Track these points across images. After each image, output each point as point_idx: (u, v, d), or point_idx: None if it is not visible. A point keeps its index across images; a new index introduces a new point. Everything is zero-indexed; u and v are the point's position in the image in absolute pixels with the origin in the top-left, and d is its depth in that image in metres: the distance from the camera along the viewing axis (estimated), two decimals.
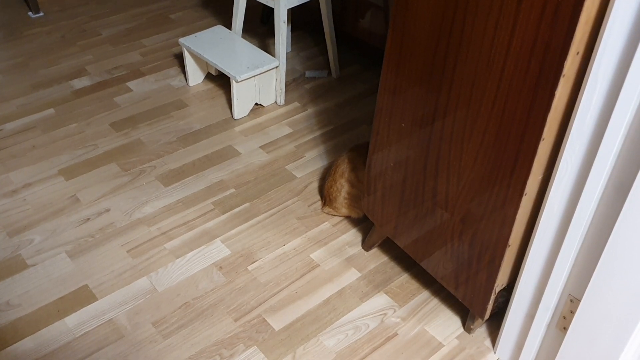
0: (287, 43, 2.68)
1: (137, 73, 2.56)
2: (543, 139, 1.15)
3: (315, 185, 2.04)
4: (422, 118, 1.40)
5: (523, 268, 1.36)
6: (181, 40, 2.39)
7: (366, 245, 1.80)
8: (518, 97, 1.15)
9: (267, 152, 2.18)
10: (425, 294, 1.69)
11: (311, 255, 1.79)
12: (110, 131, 2.24)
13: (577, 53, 1.05)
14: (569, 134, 1.13)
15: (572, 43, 1.03)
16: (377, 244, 1.79)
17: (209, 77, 2.54)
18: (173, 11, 3.02)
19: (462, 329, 1.60)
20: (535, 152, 1.16)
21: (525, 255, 1.34)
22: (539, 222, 1.27)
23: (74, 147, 2.16)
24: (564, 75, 1.06)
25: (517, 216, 1.26)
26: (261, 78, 2.30)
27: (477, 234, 1.38)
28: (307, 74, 2.58)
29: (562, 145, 1.15)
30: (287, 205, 1.96)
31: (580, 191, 1.15)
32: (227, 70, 2.23)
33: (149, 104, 2.38)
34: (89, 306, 1.63)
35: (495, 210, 1.30)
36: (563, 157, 1.16)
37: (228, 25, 2.89)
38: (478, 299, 1.47)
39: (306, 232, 1.86)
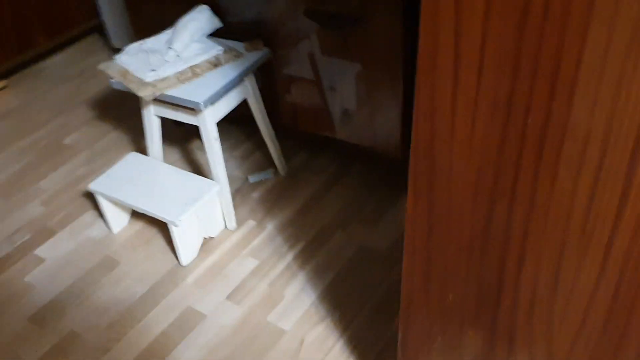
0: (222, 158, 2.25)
1: (44, 232, 2.05)
2: None
3: (313, 335, 1.63)
4: (479, 295, 1.02)
5: None
6: (91, 186, 1.91)
7: None
8: (638, 286, 0.80)
9: (236, 303, 1.75)
10: None
11: None
12: (32, 329, 1.73)
13: None
14: None
15: None
16: None
17: (135, 215, 2.07)
18: (66, 133, 2.51)
19: None
20: None
21: None
22: None
23: None
24: None
25: None
26: (202, 209, 1.86)
27: None
28: (251, 179, 2.16)
29: None
30: None
31: None
32: (160, 215, 1.78)
33: (71, 275, 1.89)
34: None
35: None
36: None
37: (138, 136, 2.42)
38: None
39: None
